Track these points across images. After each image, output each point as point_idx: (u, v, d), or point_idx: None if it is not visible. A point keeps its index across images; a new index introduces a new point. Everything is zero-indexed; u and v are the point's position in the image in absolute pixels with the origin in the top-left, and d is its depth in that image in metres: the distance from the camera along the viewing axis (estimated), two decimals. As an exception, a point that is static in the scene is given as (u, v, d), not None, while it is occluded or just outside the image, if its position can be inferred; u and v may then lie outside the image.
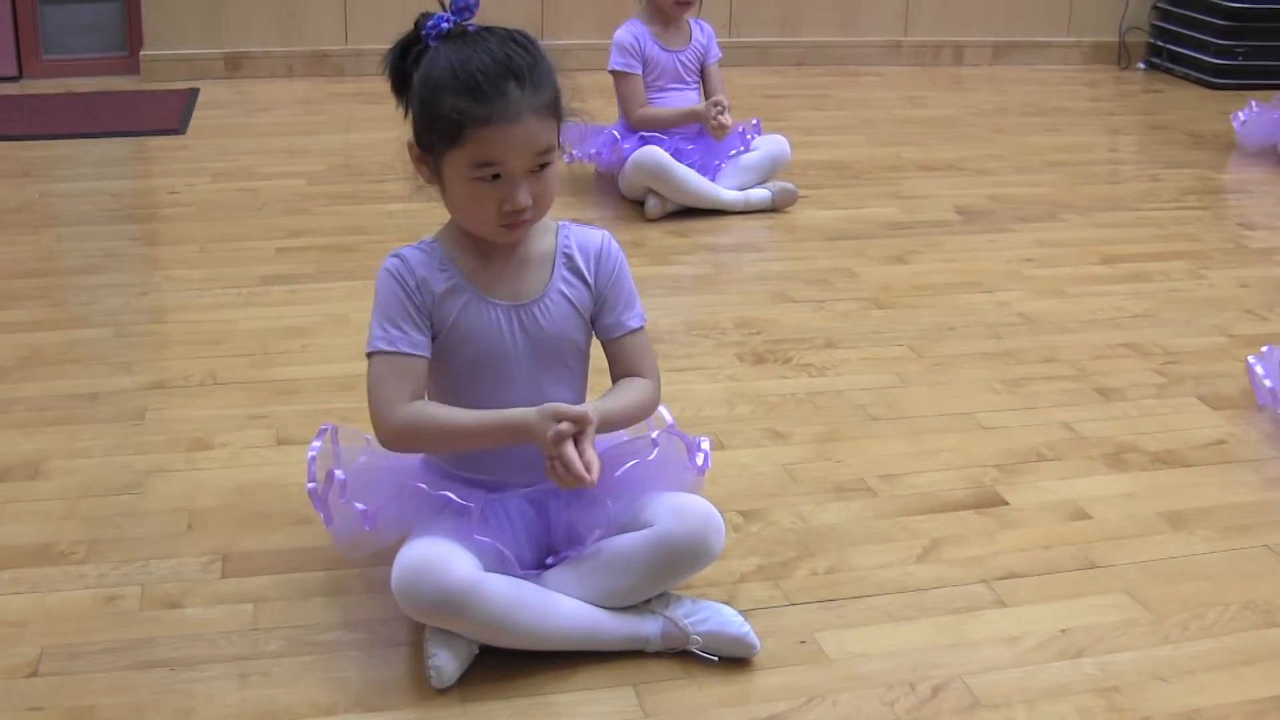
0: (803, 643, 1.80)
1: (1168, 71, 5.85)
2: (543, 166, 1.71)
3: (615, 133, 3.68)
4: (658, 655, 1.76)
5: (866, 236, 3.55)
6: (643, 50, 3.69)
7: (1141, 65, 5.98)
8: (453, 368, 1.78)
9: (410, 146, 1.74)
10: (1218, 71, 5.54)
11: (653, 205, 3.61)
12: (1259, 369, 2.55)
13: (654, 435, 1.88)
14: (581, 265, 1.81)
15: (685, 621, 1.75)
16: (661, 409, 1.94)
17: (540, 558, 1.80)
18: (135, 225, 3.57)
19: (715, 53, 3.83)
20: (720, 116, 3.59)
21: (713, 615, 1.76)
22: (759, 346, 2.80)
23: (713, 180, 3.68)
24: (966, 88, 5.54)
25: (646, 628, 1.75)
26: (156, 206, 3.73)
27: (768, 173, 3.78)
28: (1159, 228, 3.71)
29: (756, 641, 1.75)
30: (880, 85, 5.49)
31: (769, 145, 3.79)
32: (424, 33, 1.71)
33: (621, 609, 1.76)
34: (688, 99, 3.77)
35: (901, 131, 4.72)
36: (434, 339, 1.76)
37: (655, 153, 3.58)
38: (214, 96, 4.93)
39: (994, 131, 4.78)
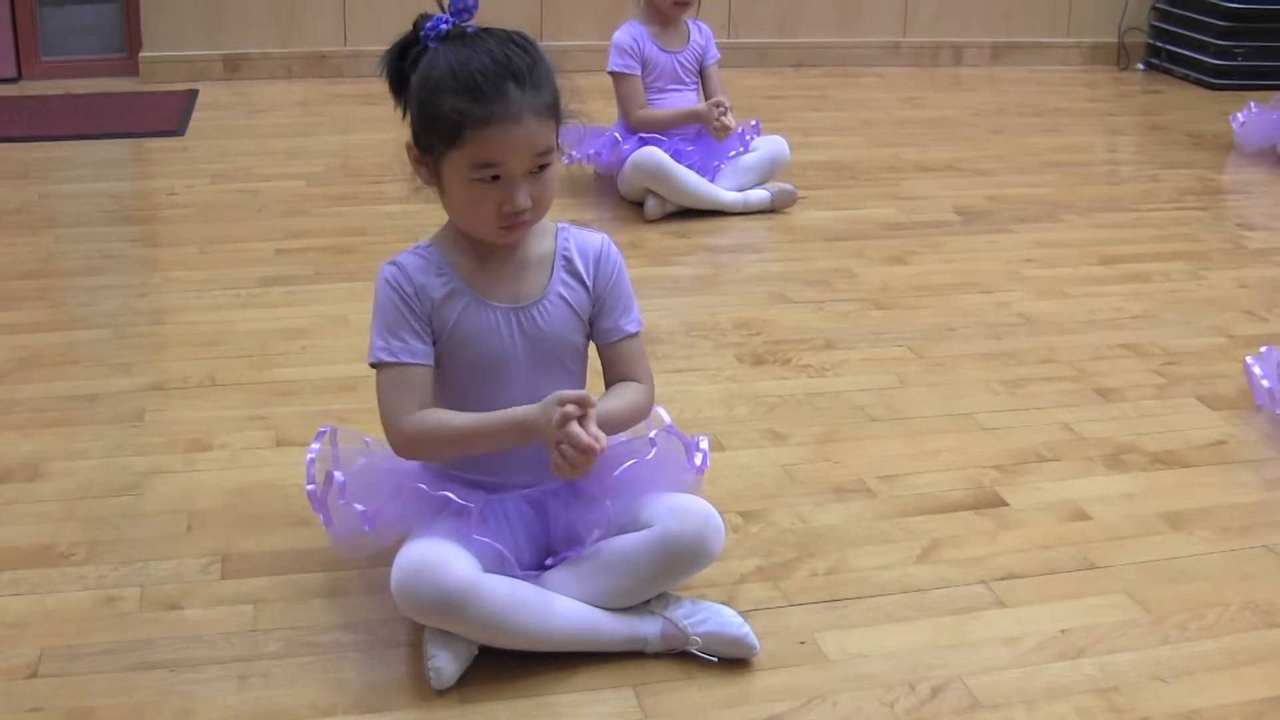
0: (802, 643, 1.80)
1: (1167, 72, 5.85)
2: (542, 168, 1.70)
3: (616, 134, 3.68)
4: (657, 656, 1.76)
5: (865, 237, 3.55)
6: (641, 51, 3.69)
7: (1140, 66, 5.98)
8: (453, 371, 1.78)
9: (409, 148, 1.74)
10: (1217, 72, 5.54)
11: (652, 206, 3.61)
12: (1257, 369, 2.55)
13: (652, 435, 1.88)
14: (580, 268, 1.81)
15: (685, 622, 1.75)
16: (660, 409, 1.94)
17: (539, 558, 1.80)
18: (134, 227, 3.56)
19: (714, 53, 3.83)
20: (723, 118, 3.59)
21: (712, 616, 1.76)
22: (758, 347, 2.80)
23: (712, 181, 3.68)
24: (965, 88, 5.54)
25: (646, 628, 1.75)
26: (155, 208, 3.73)
27: (767, 174, 3.78)
28: (1158, 228, 3.71)
29: (756, 642, 1.75)
30: (879, 86, 5.49)
31: (768, 146, 3.79)
32: (422, 34, 1.71)
33: (621, 610, 1.76)
34: (687, 100, 3.77)
35: (900, 132, 4.72)
36: (434, 343, 1.76)
37: (654, 154, 3.58)
38: (213, 98, 4.93)
39: (993, 132, 4.78)
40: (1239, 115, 4.57)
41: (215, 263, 3.22)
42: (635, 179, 3.61)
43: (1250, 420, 2.52)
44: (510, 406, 1.73)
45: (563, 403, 1.64)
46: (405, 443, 1.76)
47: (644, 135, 3.67)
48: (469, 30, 1.70)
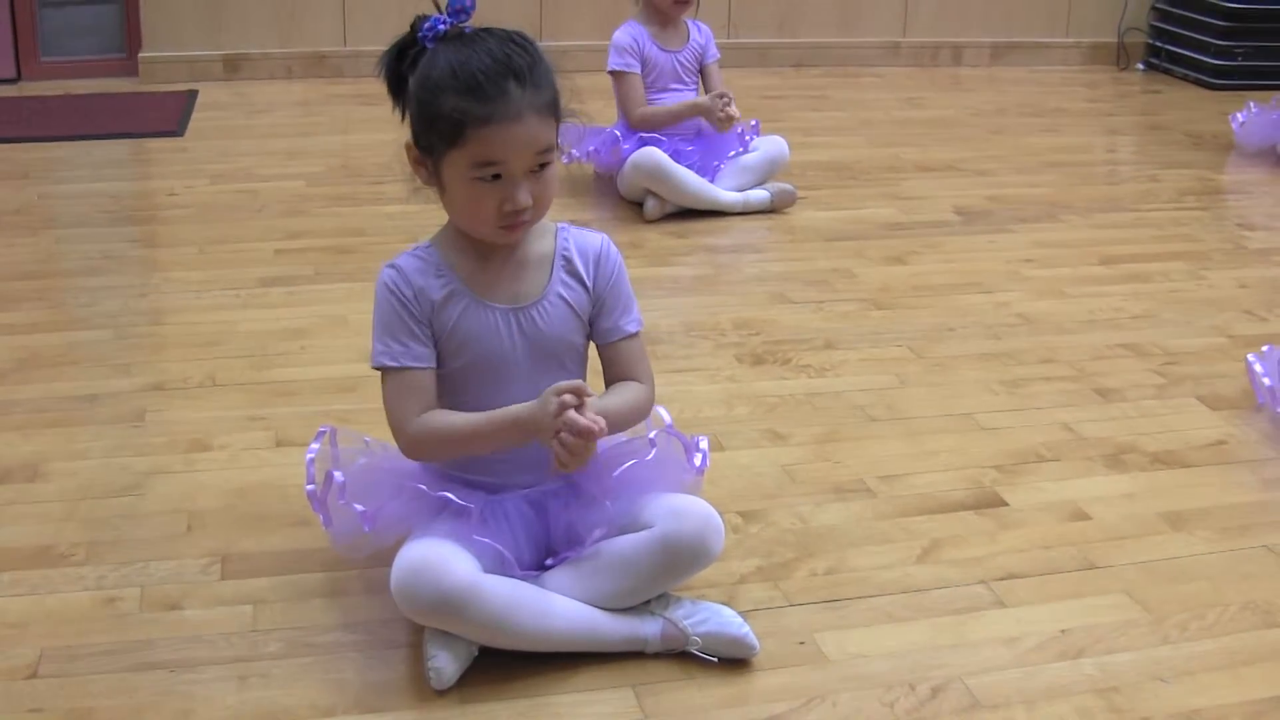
0: (802, 643, 1.80)
1: (1166, 72, 5.85)
2: (542, 166, 1.71)
3: (616, 133, 3.68)
4: (657, 656, 1.76)
5: (865, 237, 3.55)
6: (641, 50, 3.69)
7: (1140, 66, 5.98)
8: (453, 371, 1.78)
9: (409, 148, 1.74)
10: (1216, 72, 5.54)
11: (651, 206, 3.61)
12: (1258, 367, 2.55)
13: (651, 435, 1.88)
14: (580, 268, 1.81)
15: (685, 622, 1.75)
16: (660, 409, 1.94)
17: (539, 559, 1.80)
18: (134, 227, 3.56)
19: (714, 52, 3.83)
20: (727, 108, 3.59)
21: (712, 616, 1.76)
22: (758, 347, 2.80)
23: (711, 181, 3.68)
24: (965, 88, 5.54)
25: (646, 629, 1.75)
26: (155, 208, 3.73)
27: (766, 174, 3.78)
28: (1158, 228, 3.72)
29: (756, 642, 1.75)
30: (879, 86, 5.49)
31: (768, 146, 3.79)
32: (420, 35, 1.71)
33: (621, 610, 1.76)
34: (687, 99, 3.77)
35: (900, 132, 4.72)
36: (435, 344, 1.76)
37: (654, 154, 3.58)
38: (212, 98, 4.93)
39: (993, 132, 4.78)
40: (1239, 115, 4.57)
41: (215, 263, 3.22)
42: (635, 179, 3.61)
43: (1250, 420, 2.52)
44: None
45: (559, 393, 1.65)
46: (411, 446, 1.77)
47: (644, 135, 3.67)
48: (466, 31, 1.70)
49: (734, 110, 3.60)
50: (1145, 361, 2.78)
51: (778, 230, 3.62)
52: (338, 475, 1.80)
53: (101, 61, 5.22)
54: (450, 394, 1.78)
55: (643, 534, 1.75)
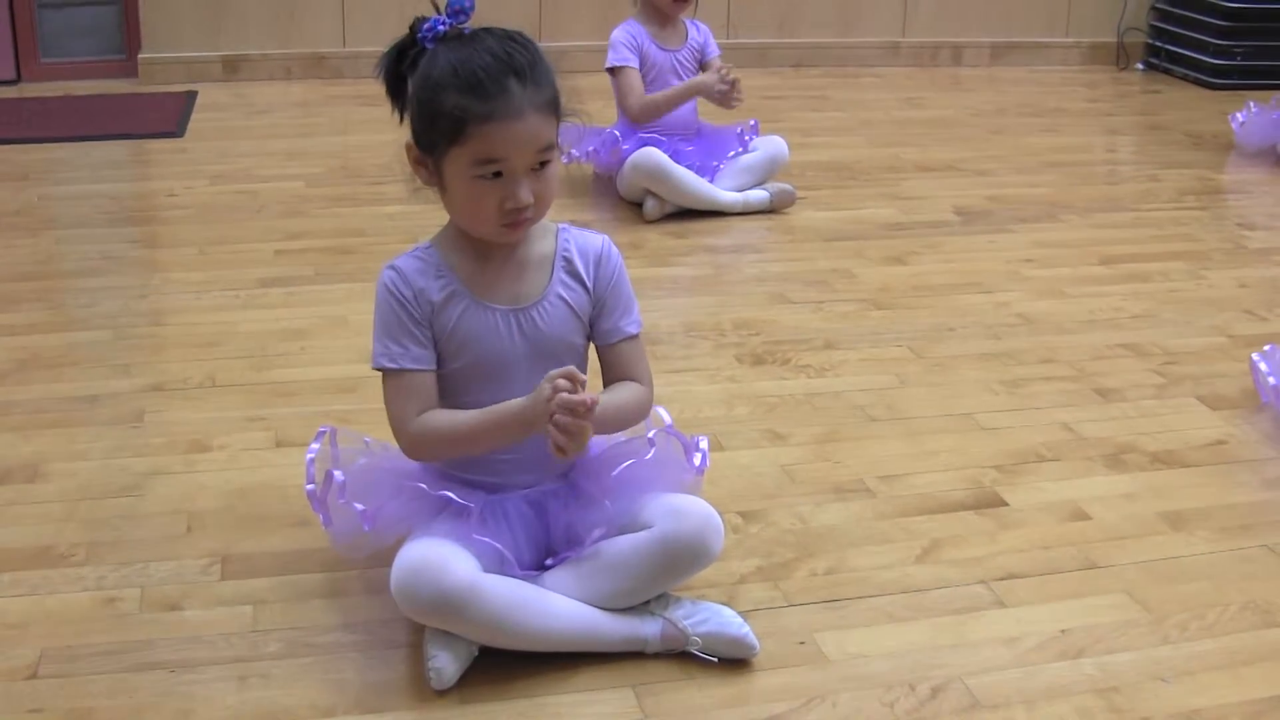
0: (802, 643, 1.80)
1: (1166, 72, 5.85)
2: (543, 164, 1.71)
3: (616, 133, 3.68)
4: (657, 656, 1.76)
5: (865, 237, 3.55)
6: (640, 48, 3.69)
7: (1140, 66, 5.98)
8: (453, 372, 1.78)
9: (409, 148, 1.74)
10: (1216, 72, 5.54)
11: (651, 207, 3.61)
12: (1263, 366, 2.55)
13: (651, 435, 1.88)
14: (581, 269, 1.81)
15: (685, 622, 1.75)
16: (660, 409, 1.94)
17: (539, 559, 1.80)
18: (134, 228, 3.56)
19: (714, 49, 3.83)
20: (727, 78, 3.56)
21: (712, 616, 1.76)
22: (758, 348, 2.80)
23: (711, 182, 3.68)
24: (965, 88, 5.54)
25: (646, 629, 1.75)
26: (155, 209, 3.73)
27: (766, 174, 3.78)
28: (1158, 228, 3.72)
29: (756, 642, 1.75)
30: (878, 86, 5.49)
31: (767, 146, 3.79)
32: (420, 36, 1.71)
33: (621, 610, 1.76)
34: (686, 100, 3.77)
35: (900, 132, 4.72)
36: (435, 345, 1.76)
37: (653, 154, 3.58)
38: (212, 99, 4.93)
39: (992, 132, 4.78)
40: (1238, 115, 4.57)
41: (215, 264, 3.22)
42: (634, 179, 3.61)
43: (1250, 420, 2.52)
44: (510, 407, 1.74)
45: (552, 379, 1.65)
46: (412, 446, 1.77)
47: (644, 135, 3.67)
48: (466, 31, 1.71)
49: (734, 80, 3.57)
50: (1145, 361, 2.79)
51: (777, 230, 3.62)
52: (337, 475, 1.80)
53: (101, 63, 5.22)
54: (451, 394, 1.78)
55: (642, 534, 1.75)
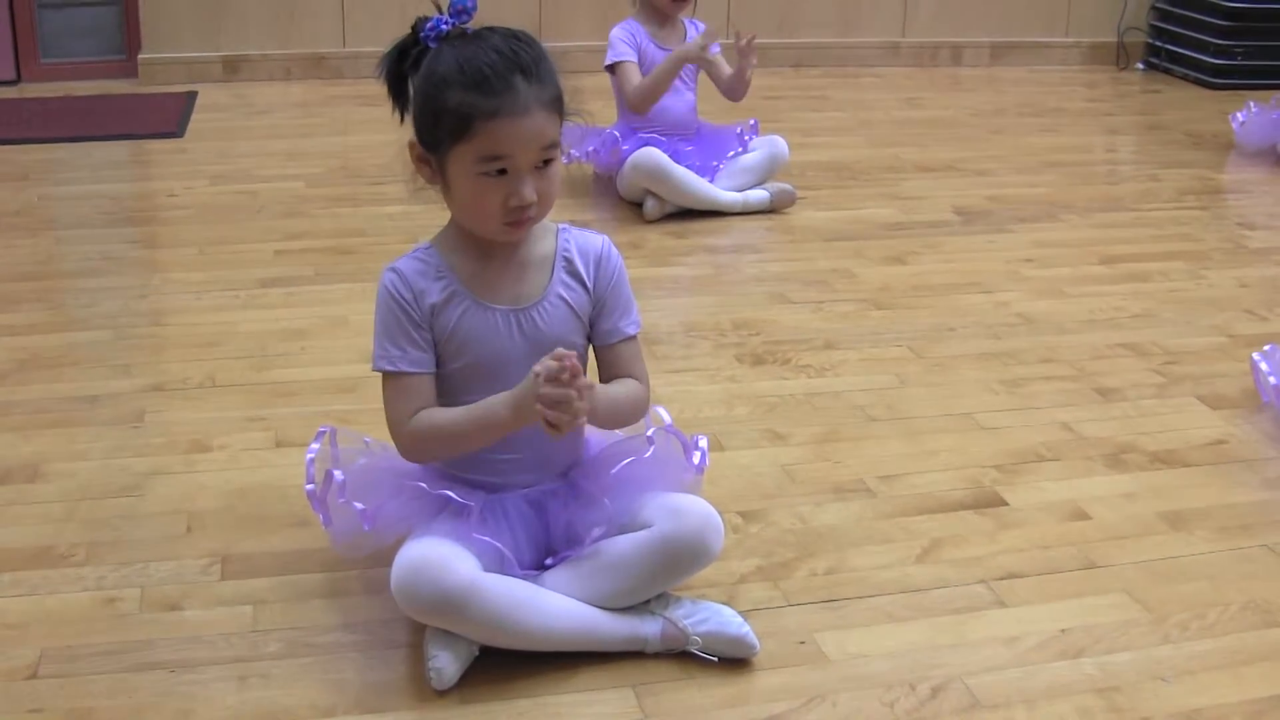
0: (802, 643, 1.80)
1: (1166, 72, 5.85)
2: (547, 163, 1.71)
3: (616, 133, 3.68)
4: (657, 656, 1.76)
5: (865, 237, 3.55)
6: (638, 47, 3.68)
7: (1140, 65, 5.98)
8: (453, 372, 1.78)
9: (412, 146, 1.74)
10: (1216, 71, 5.54)
11: (651, 207, 3.61)
12: (1264, 366, 2.55)
13: (650, 433, 1.88)
14: (581, 269, 1.81)
15: (685, 622, 1.75)
16: (660, 409, 1.94)
17: (539, 559, 1.80)
18: (134, 228, 3.57)
19: (713, 47, 3.82)
20: (709, 42, 3.57)
21: (712, 616, 1.76)
22: (758, 347, 2.80)
23: (711, 181, 3.68)
24: (965, 88, 5.54)
25: (646, 628, 1.75)
26: (155, 209, 3.73)
27: (766, 174, 3.78)
28: (1158, 228, 3.72)
29: (756, 642, 1.75)
30: (878, 86, 5.49)
31: (767, 146, 3.79)
32: (422, 35, 1.71)
33: (621, 610, 1.76)
34: (685, 101, 3.78)
35: (900, 132, 4.72)
36: (435, 346, 1.76)
37: (653, 154, 3.58)
38: (212, 99, 4.93)
39: (992, 132, 4.78)
40: (1239, 115, 4.57)
41: (215, 264, 3.22)
42: (634, 179, 3.61)
43: (1250, 419, 2.52)
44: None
45: (541, 362, 1.64)
46: (409, 447, 1.77)
47: (643, 135, 3.66)
48: (468, 31, 1.71)
49: (714, 41, 3.59)
50: (1145, 361, 2.78)
51: (777, 230, 3.62)
52: (337, 474, 1.80)
53: (101, 63, 5.22)
54: (451, 395, 1.78)
55: (642, 533, 1.75)
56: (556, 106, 1.70)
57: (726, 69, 3.81)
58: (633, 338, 1.84)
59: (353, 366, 2.59)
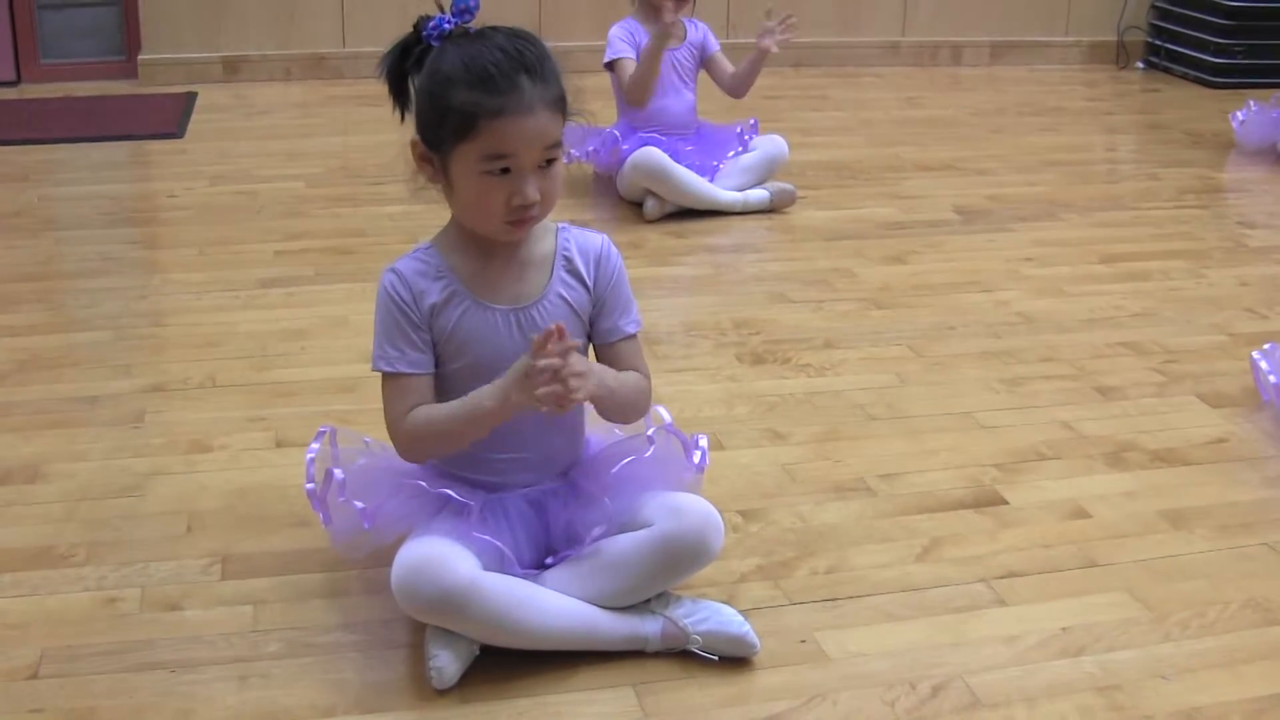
0: (803, 642, 1.80)
1: (1166, 71, 5.85)
2: (550, 162, 1.70)
3: (616, 133, 3.68)
4: (657, 655, 1.76)
5: (865, 237, 3.55)
6: (637, 45, 3.68)
7: (1140, 64, 5.98)
8: (453, 372, 1.78)
9: (414, 144, 1.74)
10: (1216, 70, 5.54)
11: (651, 206, 3.61)
12: (1264, 365, 2.54)
13: (650, 433, 1.87)
14: (581, 268, 1.81)
15: (685, 621, 1.75)
16: (660, 408, 1.94)
17: (539, 558, 1.80)
18: (134, 229, 3.57)
19: (714, 44, 3.83)
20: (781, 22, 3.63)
21: (712, 615, 1.76)
22: (758, 347, 2.80)
23: (711, 181, 3.68)
24: (965, 88, 5.54)
25: (646, 627, 1.75)
26: (155, 210, 3.73)
27: (766, 173, 3.78)
28: (1158, 227, 3.71)
29: (756, 641, 1.75)
30: (878, 86, 5.49)
31: (767, 146, 3.79)
32: (425, 33, 1.71)
33: (621, 609, 1.76)
34: (685, 101, 3.77)
35: (900, 132, 4.72)
36: (435, 346, 1.76)
37: (653, 154, 3.58)
38: (212, 100, 4.93)
39: (992, 131, 4.78)
40: (1239, 113, 4.57)
41: (215, 264, 3.22)
42: (634, 179, 3.61)
43: (1251, 418, 2.52)
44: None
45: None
46: (406, 446, 1.77)
47: (643, 135, 3.66)
48: (471, 30, 1.71)
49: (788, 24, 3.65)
50: (1145, 360, 2.78)
51: (777, 230, 3.62)
52: (337, 473, 1.80)
53: (101, 64, 5.23)
54: (450, 394, 1.77)
55: (642, 532, 1.75)
56: (560, 106, 1.70)
57: (728, 66, 3.82)
58: (633, 336, 1.84)
59: (352, 366, 2.59)
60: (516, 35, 1.69)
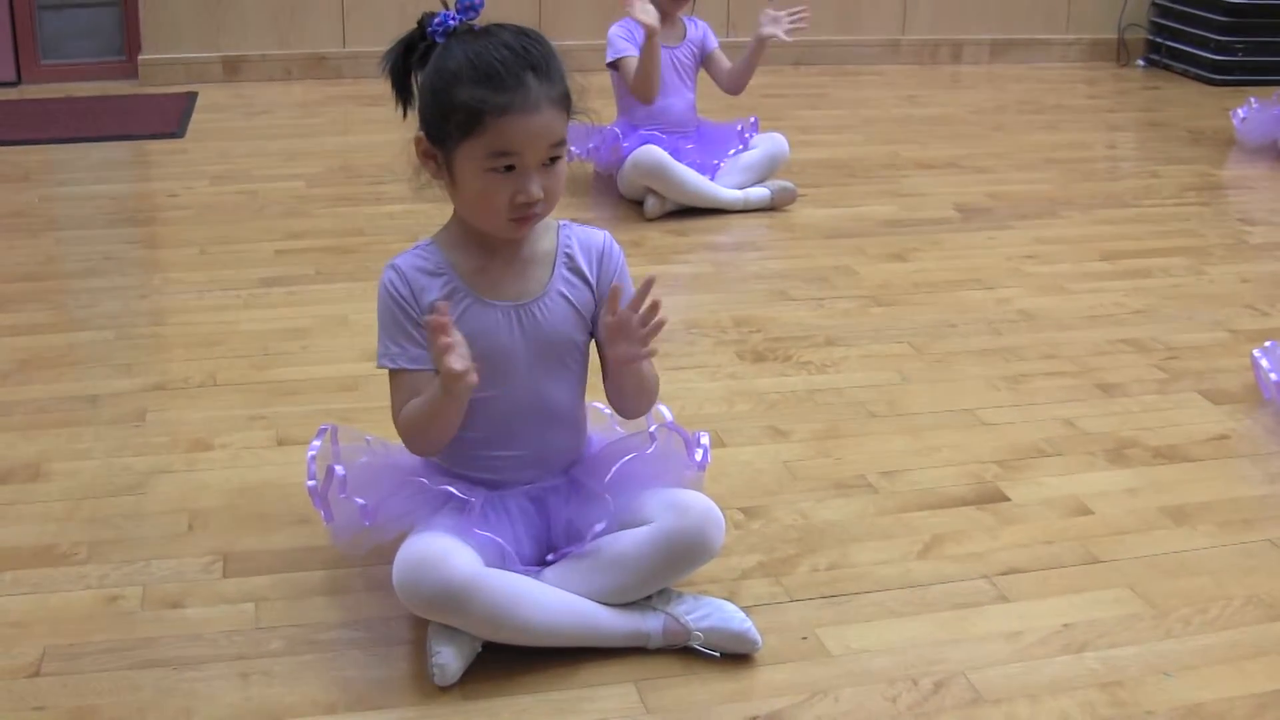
0: (804, 639, 1.80)
1: (1167, 68, 5.85)
2: (554, 160, 1.71)
3: (617, 131, 3.68)
4: (659, 652, 1.76)
5: (865, 234, 3.55)
6: (637, 42, 3.68)
7: (1141, 62, 5.98)
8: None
9: (418, 141, 1.74)
10: (1217, 68, 5.54)
11: (652, 205, 3.61)
12: (1264, 362, 2.54)
13: (652, 430, 1.88)
14: (583, 265, 1.81)
15: (687, 618, 1.75)
16: (661, 406, 1.94)
17: (540, 555, 1.80)
18: (134, 228, 3.57)
19: (713, 43, 3.83)
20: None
21: (714, 611, 1.76)
22: (759, 345, 2.80)
23: (712, 179, 3.68)
24: (965, 86, 5.54)
25: (648, 624, 1.75)
26: (155, 210, 3.73)
27: (766, 171, 3.78)
28: (1159, 224, 3.71)
29: (758, 637, 1.75)
30: (879, 84, 5.49)
31: (767, 144, 3.79)
32: (430, 30, 1.71)
33: (623, 605, 1.76)
34: (685, 99, 3.77)
35: (900, 130, 4.72)
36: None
37: (654, 152, 3.58)
38: (212, 100, 4.93)
39: (993, 129, 4.78)
40: (1239, 111, 4.57)
41: (215, 264, 3.22)
42: (635, 177, 3.61)
43: (1252, 414, 2.52)
44: (509, 403, 1.77)
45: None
46: (403, 440, 1.78)
47: (644, 133, 3.66)
48: (475, 28, 1.71)
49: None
50: (1147, 356, 2.78)
51: (778, 228, 3.62)
52: (339, 469, 1.80)
53: (101, 64, 5.22)
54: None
55: (644, 529, 1.75)
56: (564, 104, 1.70)
57: (726, 63, 3.82)
58: (635, 334, 1.84)
59: (353, 365, 2.59)
60: (523, 33, 1.70)
